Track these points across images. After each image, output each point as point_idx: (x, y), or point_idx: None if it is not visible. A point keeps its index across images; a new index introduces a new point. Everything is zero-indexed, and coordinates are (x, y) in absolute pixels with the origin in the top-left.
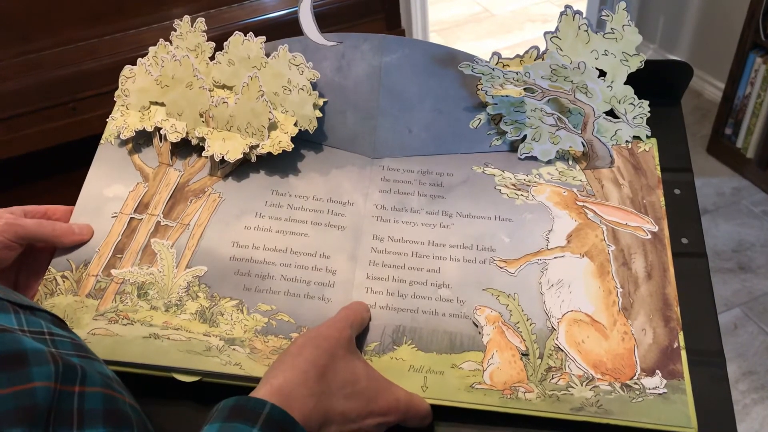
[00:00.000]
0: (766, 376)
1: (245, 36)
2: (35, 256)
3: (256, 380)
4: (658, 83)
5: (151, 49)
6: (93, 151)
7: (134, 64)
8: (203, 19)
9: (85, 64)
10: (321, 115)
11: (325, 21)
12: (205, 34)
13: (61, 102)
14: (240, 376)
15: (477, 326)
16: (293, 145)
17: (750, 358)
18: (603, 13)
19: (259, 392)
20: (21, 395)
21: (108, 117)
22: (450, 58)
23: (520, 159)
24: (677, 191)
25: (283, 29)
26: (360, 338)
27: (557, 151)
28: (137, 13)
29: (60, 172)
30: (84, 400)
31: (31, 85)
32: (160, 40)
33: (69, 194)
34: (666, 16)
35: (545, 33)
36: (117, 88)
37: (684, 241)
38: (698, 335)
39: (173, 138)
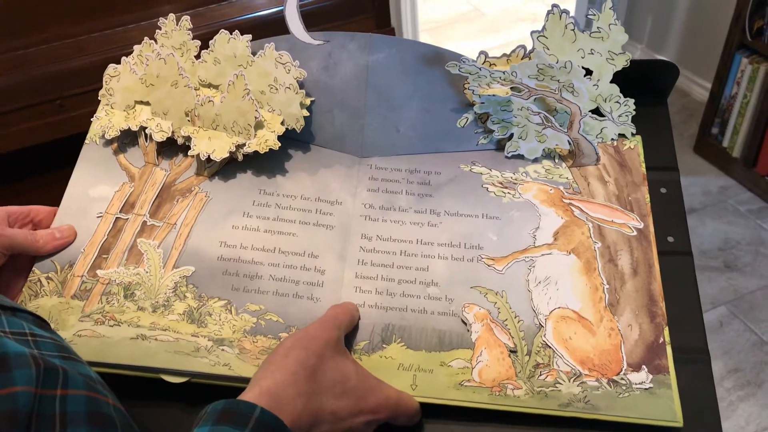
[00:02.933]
0: (752, 373)
1: (231, 34)
2: (17, 258)
3: (245, 381)
4: (645, 83)
5: (136, 47)
6: (80, 149)
7: (121, 62)
8: (188, 17)
9: (73, 61)
10: (308, 114)
11: (314, 19)
12: (190, 32)
13: (49, 99)
14: (229, 377)
15: (465, 324)
16: (280, 144)
17: (736, 356)
18: (589, 12)
19: (248, 394)
20: (2, 400)
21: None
22: (437, 58)
23: (506, 157)
24: (663, 190)
25: (273, 27)
26: (349, 337)
27: (544, 150)
28: (126, 10)
29: (47, 170)
30: (66, 403)
31: (18, 82)
32: (145, 38)
33: (56, 192)
34: (654, 16)
35: (532, 32)
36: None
37: (670, 239)
38: (683, 333)
39: (159, 137)
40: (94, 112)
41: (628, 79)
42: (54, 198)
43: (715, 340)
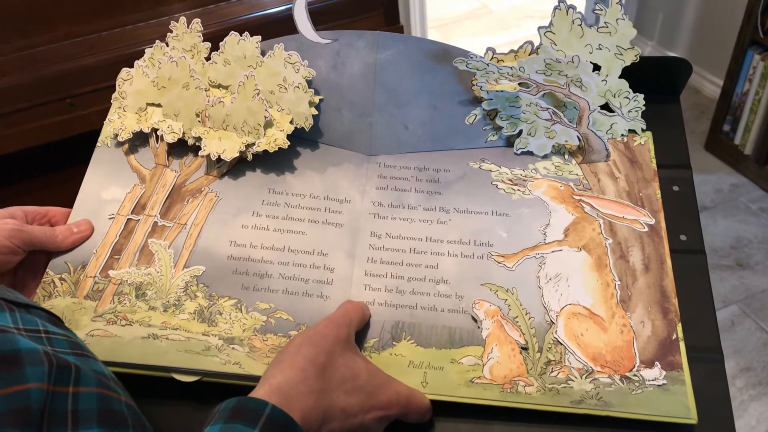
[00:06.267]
0: (763, 372)
1: (241, 36)
2: (33, 255)
3: (256, 379)
4: (657, 80)
5: (148, 50)
6: (90, 148)
7: (132, 59)
8: (199, 19)
9: (83, 60)
10: (317, 112)
11: (324, 17)
12: (201, 34)
13: (59, 98)
14: (240, 375)
15: (476, 321)
16: (289, 143)
17: (747, 355)
18: (596, 7)
19: (259, 392)
20: (14, 397)
21: (106, 113)
22: (445, 54)
23: (516, 154)
24: (676, 188)
25: (281, 25)
26: (359, 335)
27: (553, 146)
28: (135, 8)
29: (57, 169)
30: (78, 400)
31: (29, 80)
32: (156, 41)
33: (67, 190)
34: (665, 12)
35: (539, 27)
36: (115, 83)
37: (682, 237)
38: (696, 331)
39: (170, 138)
40: (105, 110)
41: (641, 76)
42: (64, 196)
43: (727, 338)
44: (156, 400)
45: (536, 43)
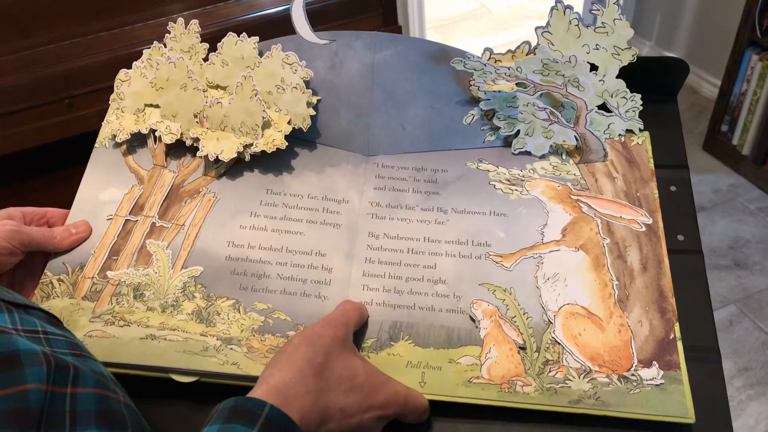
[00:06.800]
0: (762, 372)
1: (239, 37)
2: (31, 256)
3: (254, 379)
4: (654, 80)
5: (146, 51)
6: (88, 148)
7: (130, 60)
8: (197, 20)
9: (82, 61)
10: (315, 113)
11: (322, 18)
12: (198, 35)
13: (57, 99)
14: (238, 376)
15: (474, 321)
16: (287, 144)
17: (745, 355)
18: (593, 8)
19: (257, 392)
20: (13, 398)
21: (104, 114)
22: (442, 55)
23: (513, 154)
24: (673, 188)
25: (279, 25)
26: (357, 335)
27: (551, 146)
28: (134, 9)
29: (56, 169)
30: (76, 401)
31: (27, 81)
32: (155, 42)
33: (65, 191)
34: (663, 13)
35: (536, 28)
36: (113, 84)
37: (680, 237)
38: (694, 331)
39: (168, 139)
40: (103, 111)
41: (638, 77)
42: (62, 197)
43: (725, 338)
44: (154, 401)
45: (533, 43)
